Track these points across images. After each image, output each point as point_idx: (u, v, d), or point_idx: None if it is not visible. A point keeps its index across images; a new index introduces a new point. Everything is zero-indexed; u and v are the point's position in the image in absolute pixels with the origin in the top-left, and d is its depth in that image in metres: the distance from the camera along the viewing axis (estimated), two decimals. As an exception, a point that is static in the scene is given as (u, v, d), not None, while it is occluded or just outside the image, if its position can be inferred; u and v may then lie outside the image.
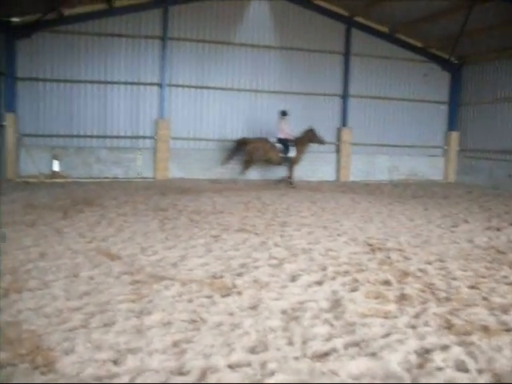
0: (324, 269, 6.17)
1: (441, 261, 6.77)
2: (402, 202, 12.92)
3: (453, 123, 19.89)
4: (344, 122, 18.83)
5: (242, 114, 17.72)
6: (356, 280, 5.71)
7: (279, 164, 16.06)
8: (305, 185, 16.31)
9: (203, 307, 4.71)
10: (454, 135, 19.86)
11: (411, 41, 19.30)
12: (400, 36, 19.12)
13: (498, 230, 9.34)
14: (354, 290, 5.37)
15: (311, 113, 18.40)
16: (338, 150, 18.85)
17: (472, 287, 5.60)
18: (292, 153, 15.77)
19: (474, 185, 17.87)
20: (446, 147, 20.02)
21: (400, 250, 7.36)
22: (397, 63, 19.30)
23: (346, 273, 6.03)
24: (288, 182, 15.97)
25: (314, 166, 18.32)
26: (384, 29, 18.88)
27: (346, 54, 18.67)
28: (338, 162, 18.84)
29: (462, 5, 14.86)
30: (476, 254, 7.23)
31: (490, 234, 8.91)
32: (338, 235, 8.35)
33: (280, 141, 15.79)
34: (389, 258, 6.85)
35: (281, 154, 15.73)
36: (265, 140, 15.89)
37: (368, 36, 18.82)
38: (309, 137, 16.07)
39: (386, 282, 5.68)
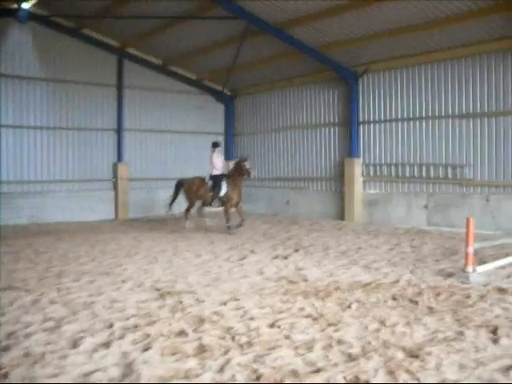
0: (110, 326, 5.40)
1: (235, 299, 6.48)
2: (188, 236, 12.65)
3: (230, 153, 20.52)
4: (120, 157, 18.17)
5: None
6: (148, 335, 5.07)
7: (210, 204, 13.89)
8: (79, 227, 15.13)
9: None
10: (233, 164, 20.54)
11: (185, 73, 19.53)
12: (174, 68, 19.23)
13: (285, 258, 9.53)
14: (146, 347, 4.73)
15: (87, 149, 17.46)
16: (115, 187, 18.05)
17: (272, 326, 5.37)
18: (223, 191, 13.48)
19: (254, 213, 18.51)
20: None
21: (191, 291, 6.92)
22: (173, 96, 19.36)
23: (136, 327, 5.35)
24: (228, 227, 13.48)
25: (91, 205, 17.26)
26: (158, 61, 18.81)
27: (119, 87, 18.15)
28: (116, 198, 18.03)
29: (234, 38, 15.39)
30: (269, 288, 7.12)
31: (279, 263, 9.03)
32: (123, 282, 7.62)
33: (212, 177, 13.78)
34: (180, 302, 6.35)
35: (211, 193, 13.61)
36: (199, 179, 14.13)
37: (141, 68, 18.59)
38: (239, 170, 13.43)
39: (182, 333, 5.15)
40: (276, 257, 9.65)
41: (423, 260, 9.25)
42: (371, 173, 16.29)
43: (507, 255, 8.77)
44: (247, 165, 13.23)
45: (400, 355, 4.45)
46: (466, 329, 5.17)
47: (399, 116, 15.54)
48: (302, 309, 6.01)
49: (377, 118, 16.17)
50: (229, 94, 20.57)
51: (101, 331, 5.22)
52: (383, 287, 7.09)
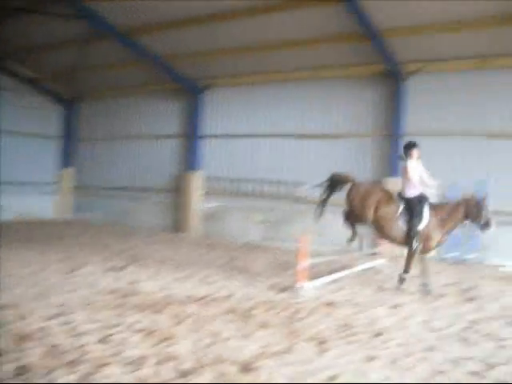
0: None
1: (64, 314, 6.00)
2: (11, 247, 11.57)
3: (67, 159, 19.44)
4: None
5: None
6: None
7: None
8: None
9: None
10: (69, 172, 19.42)
11: (21, 71, 18.11)
12: (9, 65, 17.76)
13: (120, 270, 9.14)
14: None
15: None
16: None
17: (102, 341, 5.04)
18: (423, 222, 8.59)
19: (92, 222, 17.61)
20: (59, 184, 19.36)
21: (15, 306, 6.28)
22: (4, 94, 17.80)
23: None
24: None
25: None
26: (-13, 55, 17.27)
27: None
28: None
29: (78, 39, 14.62)
30: (102, 301, 6.74)
31: (113, 274, 8.63)
32: None
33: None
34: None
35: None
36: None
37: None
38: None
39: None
40: (111, 268, 9.21)
41: (258, 274, 9.45)
42: (211, 186, 16.43)
43: (337, 270, 9.32)
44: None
45: (233, 370, 4.42)
46: (296, 342, 5.31)
47: (241, 132, 15.93)
48: (134, 323, 5.75)
49: (219, 133, 16.40)
50: (71, 97, 19.50)
51: None
52: (218, 301, 7.08)
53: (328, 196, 9.30)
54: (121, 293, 7.30)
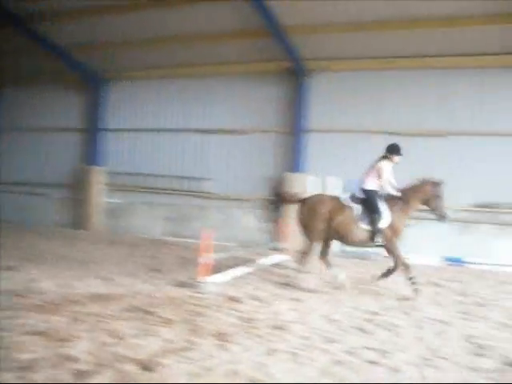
0: None
1: None
2: None
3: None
4: None
5: None
6: None
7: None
8: None
9: None
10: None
11: None
12: None
13: (15, 268, 8.70)
14: None
15: None
16: None
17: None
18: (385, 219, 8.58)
19: None
20: None
21: None
22: None
23: None
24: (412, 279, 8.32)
25: None
26: None
27: None
28: None
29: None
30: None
31: (6, 274, 8.13)
32: None
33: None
34: None
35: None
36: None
37: None
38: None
39: None
40: (4, 268, 8.68)
41: (161, 270, 9.34)
42: (114, 182, 15.99)
43: (241, 265, 9.38)
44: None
45: (132, 369, 4.32)
46: (198, 338, 5.28)
47: (145, 126, 15.65)
48: (28, 324, 5.45)
49: (122, 127, 16.00)
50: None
51: None
52: (119, 299, 6.90)
53: (275, 211, 9.16)
54: (14, 293, 6.90)
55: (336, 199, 8.49)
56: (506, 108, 12.33)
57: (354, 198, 8.33)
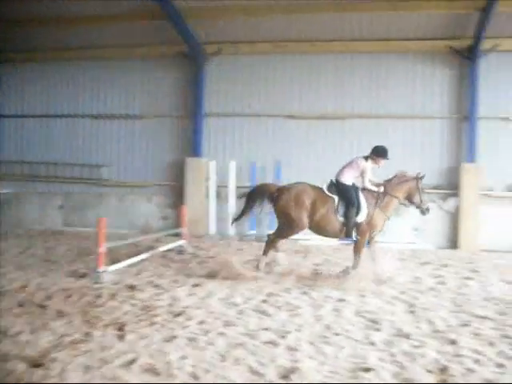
0: None
1: None
2: None
3: None
4: None
5: None
6: None
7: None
8: None
9: None
10: None
11: None
12: None
13: None
14: None
15: None
16: None
17: None
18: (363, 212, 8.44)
19: None
20: None
21: None
22: None
23: None
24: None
25: None
26: None
27: None
28: None
29: None
30: None
31: None
32: None
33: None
34: None
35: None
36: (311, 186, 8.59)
37: None
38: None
39: None
40: None
41: (57, 262, 9.01)
42: (4, 171, 15.08)
43: (139, 253, 9.20)
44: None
45: (22, 367, 4.11)
46: (94, 329, 5.14)
47: (36, 112, 14.88)
48: None
49: (12, 113, 15.14)
50: None
51: None
52: (9, 294, 6.55)
53: (247, 208, 8.39)
54: None
55: (319, 188, 8.14)
56: (398, 92, 13.04)
57: (331, 189, 8.08)
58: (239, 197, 8.76)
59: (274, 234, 8.36)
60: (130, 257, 8.81)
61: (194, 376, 4.02)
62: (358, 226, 7.96)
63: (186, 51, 13.52)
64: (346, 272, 8.08)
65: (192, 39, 13.10)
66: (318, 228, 8.13)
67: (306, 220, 7.97)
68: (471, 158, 12.51)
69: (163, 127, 14.15)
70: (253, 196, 8.31)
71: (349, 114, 13.19)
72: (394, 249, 10.08)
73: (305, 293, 7.07)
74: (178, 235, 11.14)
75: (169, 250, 10.24)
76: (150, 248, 9.99)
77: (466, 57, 12.63)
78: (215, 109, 13.70)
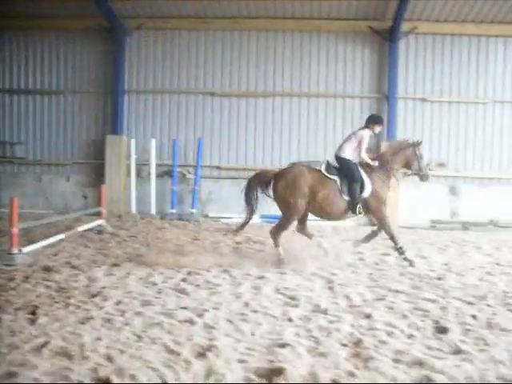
0: None
1: None
2: None
3: None
4: None
5: None
6: None
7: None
8: None
9: None
10: None
11: None
12: None
13: None
14: None
15: None
16: None
17: None
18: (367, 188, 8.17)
19: None
20: None
21: None
22: None
23: None
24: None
25: None
26: None
27: None
28: None
29: None
30: None
31: None
32: None
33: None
34: None
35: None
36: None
37: None
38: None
39: None
40: None
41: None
42: None
43: (56, 233, 8.92)
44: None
45: None
46: (4, 313, 4.95)
47: None
48: None
49: None
50: None
51: None
52: None
53: (249, 198, 8.01)
54: None
55: (317, 171, 7.85)
56: (321, 71, 13.29)
57: (330, 169, 7.86)
58: (242, 191, 8.13)
59: (275, 226, 8.00)
60: (46, 237, 8.54)
61: (108, 357, 3.96)
62: (366, 202, 7.80)
63: (107, 25, 13.07)
64: (400, 251, 7.85)
65: (110, 12, 12.68)
66: (321, 211, 7.89)
67: (303, 205, 7.73)
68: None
69: (83, 103, 13.72)
70: (251, 184, 8.02)
71: (271, 92, 13.31)
72: (314, 226, 10.29)
73: (225, 271, 7.10)
74: (97, 215, 10.89)
75: (88, 230, 10.00)
76: (68, 228, 9.72)
77: (386, 38, 13.01)
78: (136, 86, 13.41)
